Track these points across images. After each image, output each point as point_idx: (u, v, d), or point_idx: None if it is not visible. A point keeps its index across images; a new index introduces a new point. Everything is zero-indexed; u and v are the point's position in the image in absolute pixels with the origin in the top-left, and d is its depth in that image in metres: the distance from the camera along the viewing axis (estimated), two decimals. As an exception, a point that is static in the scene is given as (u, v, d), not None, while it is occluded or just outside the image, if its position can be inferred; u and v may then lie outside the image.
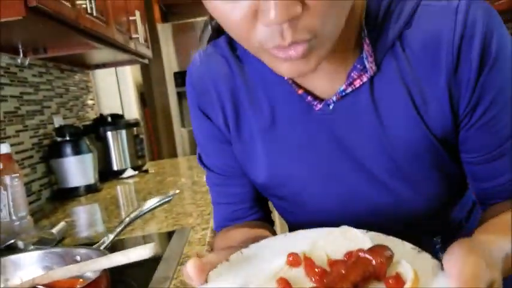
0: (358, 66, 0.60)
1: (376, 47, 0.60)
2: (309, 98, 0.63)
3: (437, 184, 0.66)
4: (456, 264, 0.42)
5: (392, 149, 0.62)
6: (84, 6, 1.41)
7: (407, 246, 0.49)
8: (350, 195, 0.67)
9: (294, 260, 0.47)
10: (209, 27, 0.73)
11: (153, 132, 3.97)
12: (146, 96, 4.00)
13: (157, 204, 1.00)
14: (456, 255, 0.43)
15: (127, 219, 0.97)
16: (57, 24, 1.29)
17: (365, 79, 0.60)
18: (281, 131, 0.67)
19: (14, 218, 1.34)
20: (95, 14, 1.47)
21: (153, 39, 3.01)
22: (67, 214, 1.60)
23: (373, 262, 0.44)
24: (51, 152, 1.88)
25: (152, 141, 3.92)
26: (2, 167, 1.32)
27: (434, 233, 0.72)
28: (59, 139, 1.91)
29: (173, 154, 3.90)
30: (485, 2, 0.59)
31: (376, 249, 0.45)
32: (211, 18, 0.72)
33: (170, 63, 3.65)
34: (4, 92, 1.64)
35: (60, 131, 1.91)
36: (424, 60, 0.59)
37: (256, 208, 0.76)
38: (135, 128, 2.34)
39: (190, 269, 0.48)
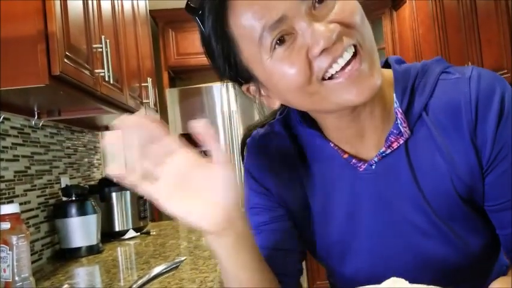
0: (395, 131, 0.71)
1: (407, 116, 0.70)
2: (354, 160, 0.74)
3: (470, 237, 0.72)
4: None
5: (426, 202, 0.71)
6: (102, 74, 1.48)
7: None
8: (393, 248, 0.74)
9: None
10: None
11: (154, 192, 3.98)
12: (150, 156, 4.05)
13: (165, 270, 1.01)
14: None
15: (134, 286, 0.98)
16: (75, 91, 1.35)
17: (401, 141, 0.71)
18: (329, 190, 0.76)
19: (16, 278, 1.34)
20: (111, 81, 1.54)
21: (161, 102, 3.10)
22: (68, 276, 1.59)
23: None
24: (57, 211, 1.90)
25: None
26: (10, 227, 1.34)
27: None
28: (64, 199, 1.93)
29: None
30: (491, 71, 0.71)
31: None
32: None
33: (175, 126, 3.73)
34: (16, 152, 1.69)
35: (66, 191, 1.93)
36: (447, 124, 0.69)
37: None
38: (139, 190, 2.36)
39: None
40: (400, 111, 0.70)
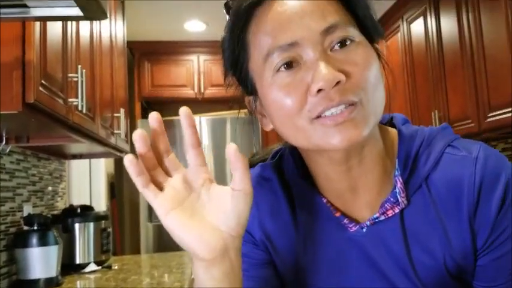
0: (392, 199, 0.69)
1: (407, 185, 0.69)
2: (345, 220, 0.71)
3: None
4: None
5: (415, 274, 0.69)
6: (75, 103, 1.47)
7: None
8: None
9: None
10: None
11: (118, 224, 3.89)
12: (116, 187, 3.98)
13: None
14: None
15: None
16: (47, 119, 1.33)
17: (397, 210, 0.69)
18: (314, 248, 0.73)
19: (-31, 311, 1.28)
20: (84, 111, 1.53)
21: (133, 133, 3.07)
22: (24, 310, 1.52)
23: None
24: (17, 240, 1.83)
25: (116, 233, 3.82)
26: (-34, 256, 1.28)
27: None
28: (26, 228, 1.87)
29: (136, 249, 3.79)
30: (498, 152, 0.70)
31: None
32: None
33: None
34: (-21, 178, 1.64)
35: (28, 219, 1.87)
36: (448, 200, 0.67)
37: None
38: (103, 221, 2.31)
39: None
40: (401, 180, 0.68)
